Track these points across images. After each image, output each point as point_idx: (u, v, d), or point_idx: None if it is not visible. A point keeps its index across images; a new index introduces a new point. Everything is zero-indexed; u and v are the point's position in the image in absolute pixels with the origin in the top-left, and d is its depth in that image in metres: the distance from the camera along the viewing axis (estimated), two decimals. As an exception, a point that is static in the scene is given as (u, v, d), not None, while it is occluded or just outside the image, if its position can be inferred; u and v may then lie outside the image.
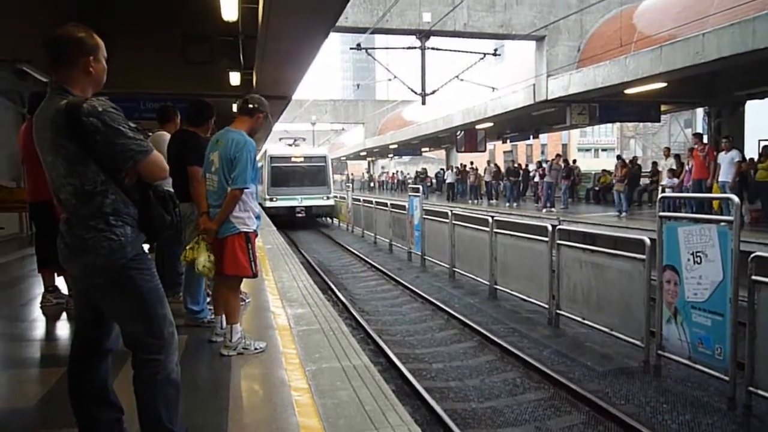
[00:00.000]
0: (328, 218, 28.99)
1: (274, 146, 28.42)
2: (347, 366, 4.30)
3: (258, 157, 42.68)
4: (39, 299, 6.13)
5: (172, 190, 3.91)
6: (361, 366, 4.31)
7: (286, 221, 24.12)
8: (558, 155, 22.37)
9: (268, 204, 24.36)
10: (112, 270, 2.54)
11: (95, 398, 2.76)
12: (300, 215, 25.25)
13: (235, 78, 12.76)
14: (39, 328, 5.57)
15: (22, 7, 8.40)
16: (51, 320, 5.72)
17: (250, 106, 4.58)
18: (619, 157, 20.37)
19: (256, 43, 10.70)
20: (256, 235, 4.64)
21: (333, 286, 12.29)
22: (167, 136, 5.77)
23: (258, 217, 4.62)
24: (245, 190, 4.38)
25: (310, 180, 25.87)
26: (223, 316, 4.69)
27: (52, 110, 2.46)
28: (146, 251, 2.74)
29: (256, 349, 4.58)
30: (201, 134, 5.38)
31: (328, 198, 25.96)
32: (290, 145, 27.94)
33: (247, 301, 6.19)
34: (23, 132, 5.63)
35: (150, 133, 6.46)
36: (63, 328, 5.55)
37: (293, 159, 26.07)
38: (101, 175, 2.50)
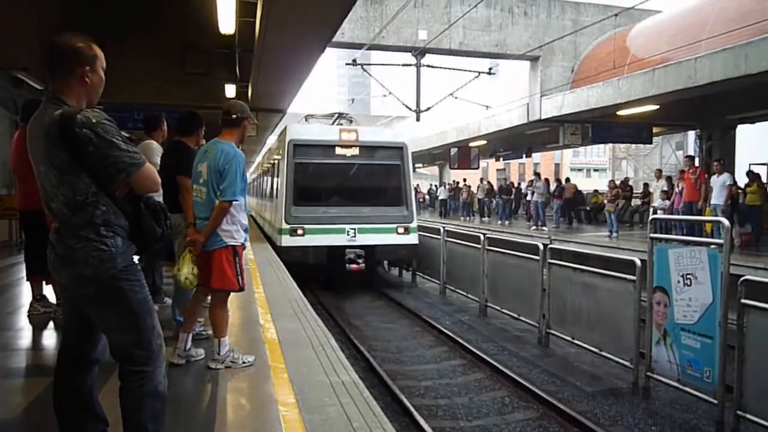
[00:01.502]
0: (401, 267, 16.08)
1: (299, 127, 14.65)
2: (336, 382, 4.27)
3: (261, 154, 27.54)
4: (26, 308, 6.08)
5: (162, 201, 3.90)
6: (349, 382, 4.28)
7: (322, 273, 13.18)
8: (537, 173, 22.41)
9: (288, 242, 12.57)
10: (102, 280, 2.52)
11: (80, 410, 2.73)
12: (355, 266, 12.70)
13: (230, 90, 12.83)
14: (25, 337, 5.51)
15: (19, 15, 8.42)
16: (38, 329, 5.67)
17: (234, 116, 4.53)
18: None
19: (253, 56, 10.76)
20: (244, 248, 4.60)
21: (322, 301, 12.24)
22: (155, 145, 5.76)
23: (246, 230, 4.58)
24: (233, 203, 4.35)
25: (372, 193, 13.82)
26: (189, 335, 4.62)
27: (47, 120, 2.46)
28: (136, 262, 2.73)
29: (244, 362, 4.54)
30: (190, 144, 5.38)
31: (407, 230, 13.24)
32: (334, 122, 15.40)
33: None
34: (15, 140, 5.61)
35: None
36: (50, 338, 5.50)
37: (339, 151, 13.34)
38: (93, 186, 2.49)
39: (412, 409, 6.20)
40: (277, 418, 3.58)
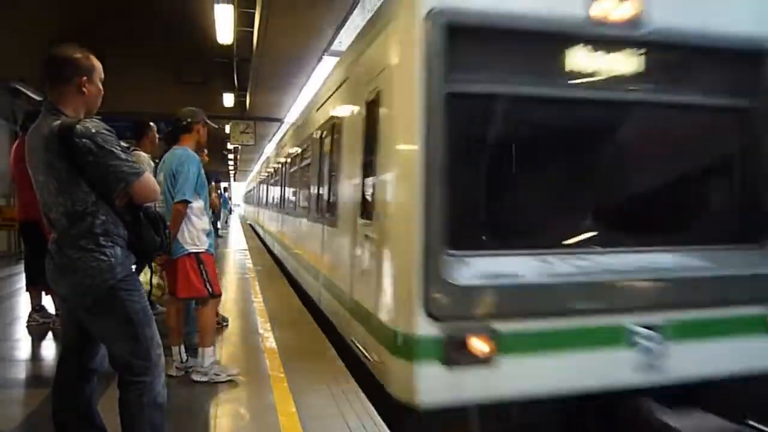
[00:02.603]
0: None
1: None
2: (336, 390, 4.26)
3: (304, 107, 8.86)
4: (25, 318, 6.07)
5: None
6: (349, 391, 4.27)
7: None
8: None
9: (439, 386, 3.43)
10: (101, 290, 2.51)
11: (79, 420, 2.73)
12: None
13: (228, 99, 12.88)
14: (24, 348, 5.50)
15: (18, 26, 8.45)
16: (36, 340, 5.65)
17: (184, 123, 4.48)
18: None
19: (250, 65, 10.80)
20: (211, 255, 4.47)
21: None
22: (143, 156, 5.71)
23: (209, 235, 4.43)
24: (192, 206, 4.23)
25: (691, 205, 4.27)
26: (181, 346, 4.52)
27: (46, 130, 2.46)
28: (135, 272, 2.73)
29: (229, 375, 4.41)
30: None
31: None
32: None
33: (224, 324, 6.14)
34: (15, 150, 5.62)
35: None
36: (48, 348, 5.48)
37: (596, 63, 3.81)
38: (92, 195, 2.49)
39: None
40: (277, 427, 3.57)
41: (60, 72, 2.56)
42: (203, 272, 4.30)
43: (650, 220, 4.12)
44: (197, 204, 4.31)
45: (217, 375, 4.38)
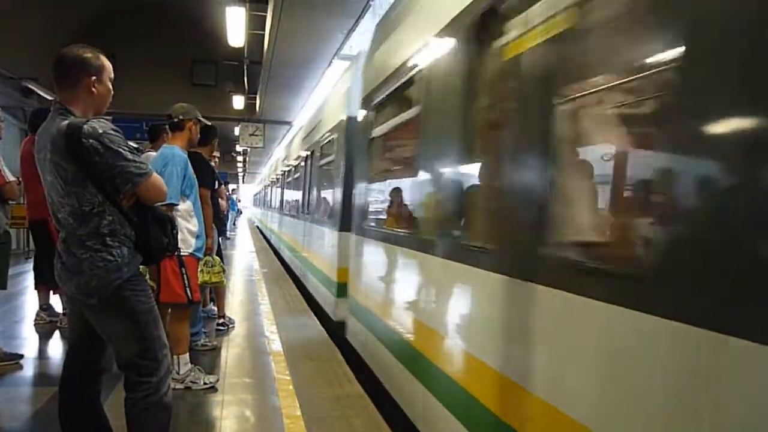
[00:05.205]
0: None
1: None
2: (341, 394, 4.25)
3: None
4: (32, 317, 6.09)
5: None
6: (354, 395, 4.26)
7: None
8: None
9: None
10: (107, 290, 2.51)
11: (85, 419, 2.73)
12: None
13: (238, 102, 12.92)
14: (31, 346, 5.51)
15: (31, 26, 8.52)
16: (43, 338, 5.68)
17: (176, 120, 4.33)
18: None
19: (261, 68, 10.84)
20: (196, 260, 4.28)
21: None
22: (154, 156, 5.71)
23: (199, 237, 4.23)
24: (178, 208, 4.03)
25: None
26: (186, 355, 4.33)
27: (53, 131, 2.46)
28: (142, 272, 2.72)
29: (205, 383, 4.30)
30: (205, 155, 5.38)
31: None
32: None
33: (230, 326, 6.14)
34: (24, 149, 5.64)
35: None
36: (55, 347, 5.50)
37: None
38: (99, 196, 2.48)
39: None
40: (282, 430, 3.56)
41: (69, 72, 2.55)
42: (184, 276, 4.08)
43: None
44: (184, 206, 4.13)
45: (194, 383, 4.26)
